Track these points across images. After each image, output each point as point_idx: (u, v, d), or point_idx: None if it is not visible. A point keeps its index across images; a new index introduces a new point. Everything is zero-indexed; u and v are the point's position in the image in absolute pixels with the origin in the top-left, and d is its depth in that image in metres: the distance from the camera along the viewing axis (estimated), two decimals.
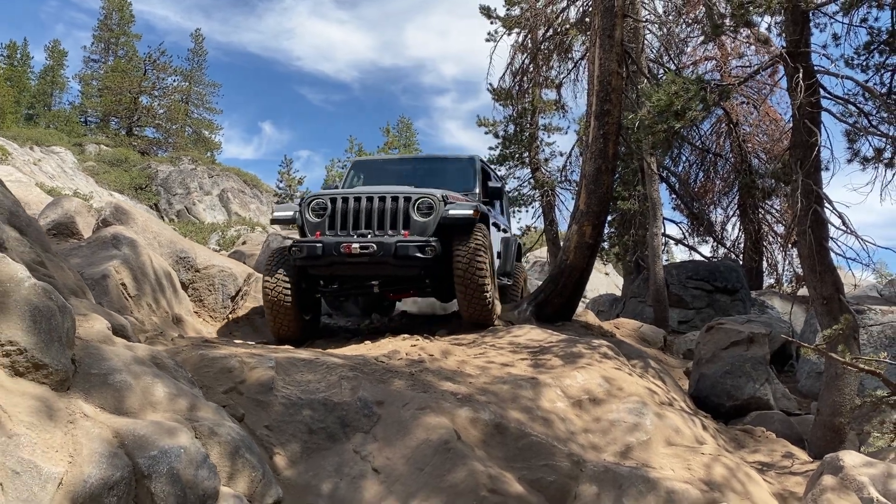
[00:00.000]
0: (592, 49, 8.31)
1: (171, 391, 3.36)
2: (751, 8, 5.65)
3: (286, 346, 5.95)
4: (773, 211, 20.66)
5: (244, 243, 13.15)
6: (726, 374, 7.14)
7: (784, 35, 6.80)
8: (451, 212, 7.12)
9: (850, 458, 4.26)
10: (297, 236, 11.13)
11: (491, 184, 8.63)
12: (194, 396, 3.49)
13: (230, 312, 7.48)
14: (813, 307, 6.91)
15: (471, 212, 7.11)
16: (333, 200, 7.13)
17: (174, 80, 28.36)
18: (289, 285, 6.90)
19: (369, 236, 6.92)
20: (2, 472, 2.48)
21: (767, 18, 7.38)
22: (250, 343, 6.06)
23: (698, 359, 7.59)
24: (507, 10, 16.87)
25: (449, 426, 4.33)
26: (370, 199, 7.08)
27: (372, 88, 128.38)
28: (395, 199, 7.08)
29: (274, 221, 7.48)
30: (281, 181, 29.69)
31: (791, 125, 7.26)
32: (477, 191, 8.37)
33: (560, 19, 14.24)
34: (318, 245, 6.78)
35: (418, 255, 6.75)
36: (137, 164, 29.42)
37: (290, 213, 7.38)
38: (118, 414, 3.09)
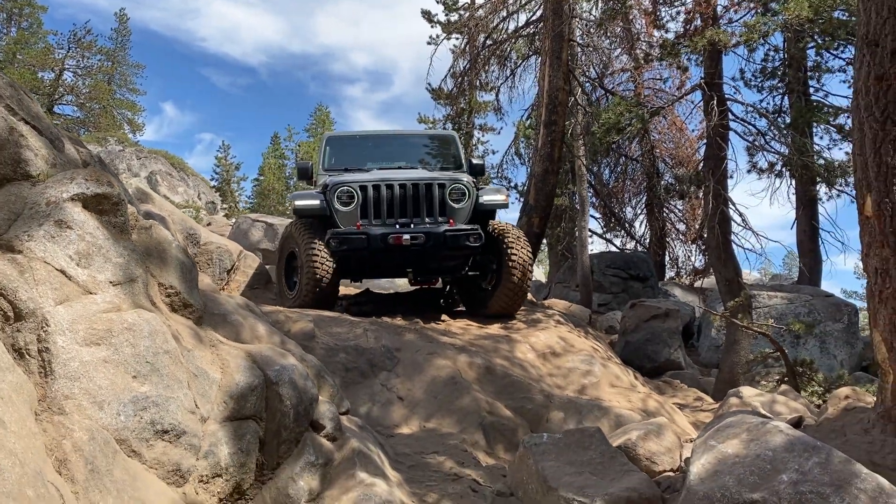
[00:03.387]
0: (543, 67, 9.68)
1: (268, 329, 4.42)
2: (680, 48, 7.13)
3: (306, 309, 6.89)
4: (676, 210, 22.94)
5: (209, 225, 13.79)
6: (647, 342, 8.70)
7: (703, 67, 8.37)
8: (484, 198, 7.18)
9: (747, 391, 5.78)
10: (267, 220, 11.99)
11: (475, 161, 8.49)
12: (281, 334, 4.56)
13: (225, 284, 8.36)
14: (718, 287, 8.56)
15: (503, 198, 7.26)
16: (364, 189, 6.98)
17: (98, 60, 27.98)
18: (333, 265, 6.77)
19: (412, 226, 6.82)
20: (188, 374, 3.50)
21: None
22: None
23: (624, 329, 9.13)
24: (447, 15, 18.11)
25: (453, 367, 5.55)
26: (403, 187, 6.94)
27: (280, 74, 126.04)
28: (428, 185, 6.98)
29: (298, 212, 7.27)
30: (218, 166, 29.85)
31: (703, 140, 8.88)
32: (465, 168, 8.30)
33: (499, 29, 15.59)
34: (363, 236, 6.67)
35: (468, 243, 6.71)
36: None
37: (317, 202, 7.14)
38: (239, 342, 4.14)
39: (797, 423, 4.61)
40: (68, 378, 2.91)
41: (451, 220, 6.89)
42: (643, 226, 23.41)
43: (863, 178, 4.43)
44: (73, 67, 26.73)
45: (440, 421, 5.06)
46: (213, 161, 32.41)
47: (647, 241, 22.90)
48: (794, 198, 13.89)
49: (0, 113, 3.39)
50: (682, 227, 23.55)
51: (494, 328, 6.85)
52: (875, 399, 4.54)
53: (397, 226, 6.85)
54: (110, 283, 3.33)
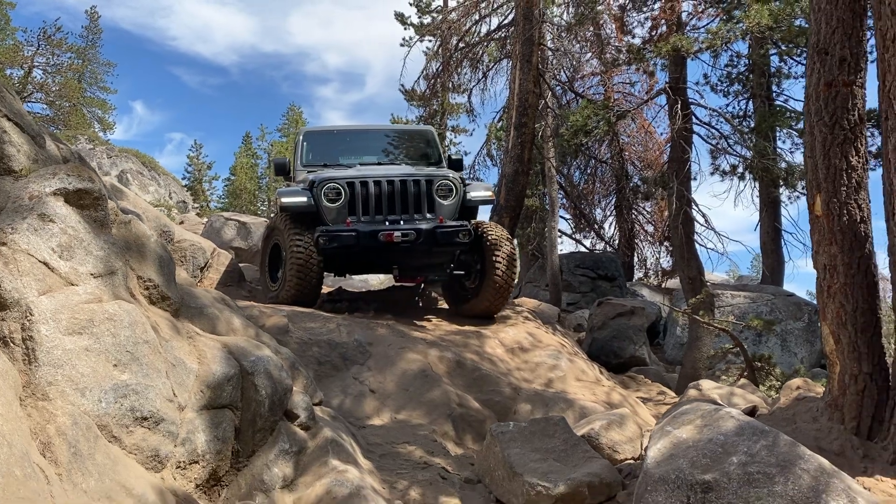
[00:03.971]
0: (514, 70, 9.89)
1: (244, 322, 4.54)
2: (645, 54, 7.38)
3: (280, 305, 6.98)
4: (645, 212, 23.39)
5: (181, 223, 13.76)
6: (613, 338, 8.95)
7: (667, 72, 8.65)
8: (472, 194, 7.19)
9: (706, 384, 6.03)
10: (240, 218, 12.01)
11: (453, 157, 8.44)
12: (256, 327, 4.68)
13: (199, 281, 8.41)
14: (681, 285, 8.83)
15: (489, 194, 7.30)
16: (351, 185, 6.94)
17: (68, 58, 27.59)
18: (319, 259, 6.74)
19: (402, 223, 6.81)
20: (166, 364, 3.61)
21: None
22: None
23: (591, 326, 9.37)
24: (420, 17, 18.28)
25: (424, 361, 5.71)
26: (391, 183, 6.92)
27: (252, 73, 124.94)
28: (416, 182, 6.97)
29: (285, 209, 7.14)
30: (190, 165, 29.68)
31: (669, 143, 9.17)
32: (444, 164, 8.25)
33: (471, 32, 15.80)
34: (353, 234, 6.64)
35: (458, 240, 6.71)
36: None
37: (304, 199, 7.04)
38: (215, 334, 4.25)
39: (751, 413, 4.84)
40: (51, 365, 3.01)
41: (440, 218, 6.88)
42: (612, 227, 23.88)
43: (813, 179, 4.68)
44: (43, 65, 26.39)
45: (411, 412, 5.22)
46: (185, 160, 32.24)
47: (617, 242, 23.34)
48: (758, 200, 14.31)
49: None
50: (650, 228, 24.05)
51: (465, 325, 7.02)
52: (824, 389, 4.80)
53: (387, 222, 6.84)
54: (91, 274, 3.43)
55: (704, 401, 5.54)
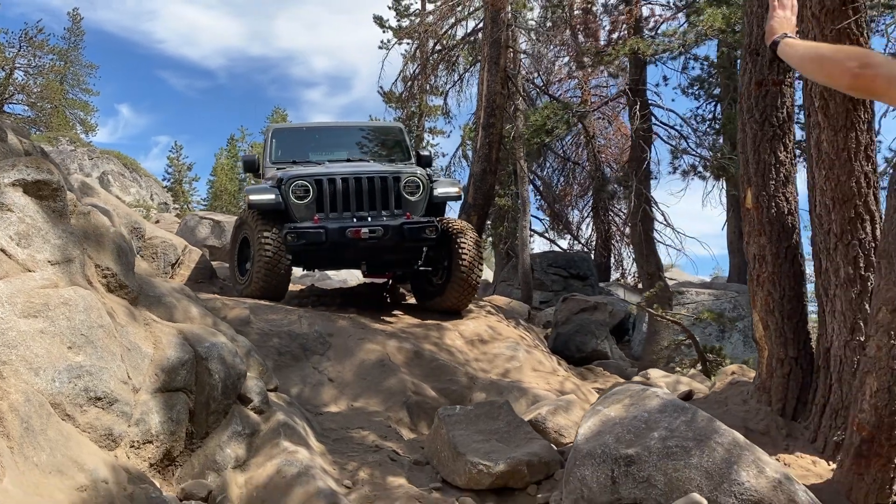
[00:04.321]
0: (482, 72, 10.15)
1: (201, 311, 4.73)
2: (604, 57, 7.65)
3: (245, 298, 7.15)
4: (621, 214, 23.74)
5: (157, 222, 13.89)
6: (576, 333, 9.19)
7: (628, 74, 8.93)
8: (439, 190, 7.29)
9: (654, 373, 6.30)
10: (214, 217, 12.17)
11: (422, 152, 8.61)
12: (214, 317, 4.87)
13: (170, 277, 8.57)
14: (640, 280, 9.10)
15: (456, 190, 7.44)
16: (319, 182, 7.03)
17: (50, 59, 27.59)
18: (286, 254, 6.83)
19: (369, 219, 6.89)
20: (121, 348, 3.80)
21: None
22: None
23: (556, 322, 9.61)
24: (398, 21, 18.53)
25: (382, 351, 5.92)
26: (358, 180, 7.01)
27: (239, 77, 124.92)
28: (383, 178, 7.06)
29: (254, 206, 7.21)
30: (170, 167, 29.73)
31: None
32: (413, 160, 8.33)
33: (448, 35, 16.05)
34: (321, 230, 6.73)
35: (425, 236, 6.81)
36: None
37: (272, 196, 7.10)
38: (172, 322, 4.44)
39: (687, 396, 5.10)
40: (6, 346, 3.19)
41: (407, 214, 7.00)
42: (590, 228, 24.22)
43: (744, 173, 4.96)
44: (25, 66, 26.40)
45: (367, 400, 5.42)
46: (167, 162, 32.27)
47: (594, 243, 23.67)
48: (725, 200, 14.64)
49: None
50: (627, 230, 24.43)
51: (427, 318, 7.23)
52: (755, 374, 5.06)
53: (354, 219, 6.93)
54: (48, 262, 3.61)
55: (645, 384, 5.80)
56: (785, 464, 4.19)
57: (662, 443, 3.64)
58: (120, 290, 4.20)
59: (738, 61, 13.72)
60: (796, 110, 5.27)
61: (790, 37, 1.95)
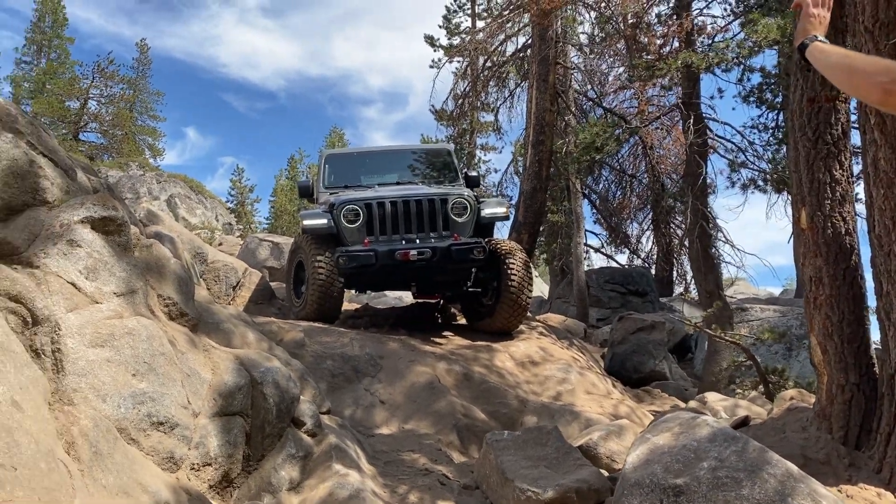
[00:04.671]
0: (531, 90, 10.19)
1: (257, 336, 4.90)
2: (655, 71, 7.58)
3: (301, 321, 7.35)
4: (683, 227, 23.26)
5: (220, 245, 14.41)
6: (633, 353, 9.06)
7: (681, 88, 8.81)
8: (486, 211, 7.41)
9: (712, 396, 6.17)
10: (274, 239, 12.54)
11: (471, 173, 8.80)
12: (270, 341, 5.04)
13: (231, 300, 8.89)
14: (699, 298, 8.93)
15: (503, 210, 7.51)
16: (368, 206, 7.21)
17: (120, 89, 29.12)
18: (339, 277, 7.01)
19: (418, 241, 7.05)
20: (181, 374, 3.98)
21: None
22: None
23: (612, 341, 9.51)
24: (449, 39, 18.77)
25: (432, 374, 5.99)
26: (406, 203, 7.17)
27: (298, 97, 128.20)
28: (431, 200, 7.21)
29: (307, 231, 7.43)
30: (233, 189, 30.89)
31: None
32: (461, 181, 8.53)
33: (498, 51, 16.15)
34: (371, 253, 6.91)
35: (473, 257, 6.91)
36: None
37: (325, 221, 7.33)
38: (230, 347, 4.62)
39: (743, 423, 4.98)
40: (76, 374, 3.40)
41: (455, 235, 7.13)
42: (650, 242, 23.81)
43: (798, 193, 4.84)
44: (97, 96, 27.91)
45: (418, 422, 5.49)
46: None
47: (655, 257, 23.25)
48: (790, 211, 14.19)
49: (22, 148, 3.92)
50: (687, 242, 23.90)
51: (477, 339, 7.27)
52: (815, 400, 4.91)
53: (403, 241, 7.11)
54: (114, 293, 3.83)
55: (695, 410, 5.69)
56: (847, 495, 4.05)
57: (712, 473, 3.58)
58: (180, 318, 4.41)
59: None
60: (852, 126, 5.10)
61: (821, 40, 1.86)
